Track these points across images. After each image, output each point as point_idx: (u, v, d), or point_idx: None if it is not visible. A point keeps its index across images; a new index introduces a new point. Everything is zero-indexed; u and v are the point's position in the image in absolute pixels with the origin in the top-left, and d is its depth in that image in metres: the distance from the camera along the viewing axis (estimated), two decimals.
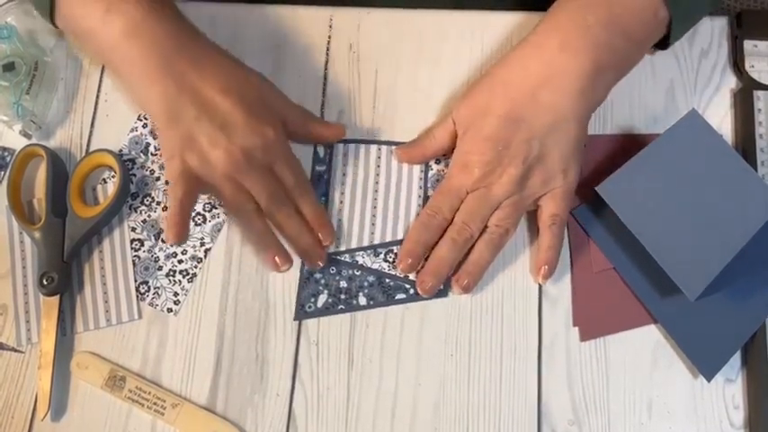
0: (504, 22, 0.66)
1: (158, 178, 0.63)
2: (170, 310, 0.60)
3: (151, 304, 0.60)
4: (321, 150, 0.63)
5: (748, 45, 0.64)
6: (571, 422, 0.56)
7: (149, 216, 0.62)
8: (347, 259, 0.60)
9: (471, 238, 0.58)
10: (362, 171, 0.62)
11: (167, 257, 0.61)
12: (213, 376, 0.59)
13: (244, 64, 0.61)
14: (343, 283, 0.60)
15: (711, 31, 0.65)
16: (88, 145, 0.65)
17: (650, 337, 0.58)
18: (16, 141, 0.65)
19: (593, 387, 0.57)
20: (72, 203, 0.61)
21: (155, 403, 0.57)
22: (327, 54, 0.66)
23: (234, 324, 0.60)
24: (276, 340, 0.59)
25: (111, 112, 0.66)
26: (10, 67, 0.63)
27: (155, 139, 0.64)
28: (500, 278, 0.59)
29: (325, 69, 0.66)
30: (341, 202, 0.62)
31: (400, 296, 0.59)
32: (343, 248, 0.61)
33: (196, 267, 0.61)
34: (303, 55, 0.66)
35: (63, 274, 0.60)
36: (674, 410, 0.56)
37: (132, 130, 0.65)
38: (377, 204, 0.61)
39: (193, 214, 0.62)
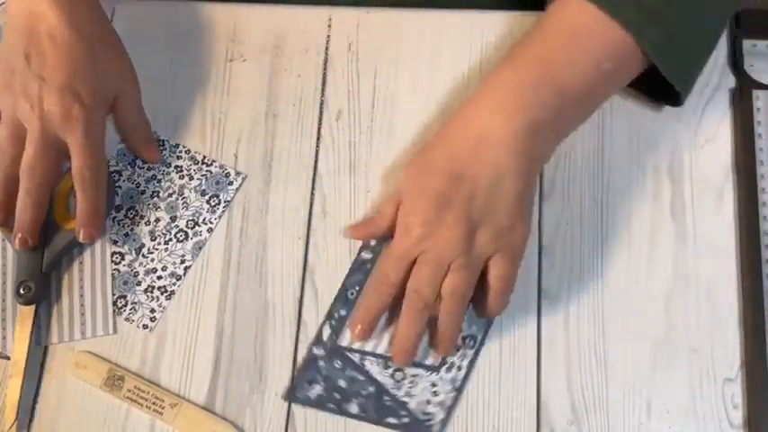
0: (504, 21, 0.66)
1: (143, 192, 0.63)
2: (146, 326, 0.60)
3: (127, 319, 0.60)
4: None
5: (747, 44, 0.64)
6: (570, 422, 0.56)
7: (132, 230, 0.62)
8: (356, 359, 0.57)
9: (426, 306, 0.54)
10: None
11: (147, 273, 0.61)
12: (212, 376, 0.59)
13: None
14: (342, 383, 0.57)
15: None
16: None
17: (650, 336, 0.58)
18: None
19: (592, 387, 0.57)
20: (55, 214, 0.61)
21: (153, 403, 0.57)
22: (326, 54, 0.66)
23: (233, 324, 0.60)
24: (275, 340, 0.59)
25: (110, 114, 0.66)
26: None
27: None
28: None
29: (324, 69, 0.66)
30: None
31: (391, 420, 0.56)
32: (356, 346, 0.58)
33: (175, 285, 0.61)
34: (302, 55, 0.66)
35: (40, 284, 0.59)
36: (674, 410, 0.56)
37: (121, 142, 0.65)
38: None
39: (175, 231, 0.62)
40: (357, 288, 0.59)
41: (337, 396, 0.56)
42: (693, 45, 0.58)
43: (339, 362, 0.57)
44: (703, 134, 0.62)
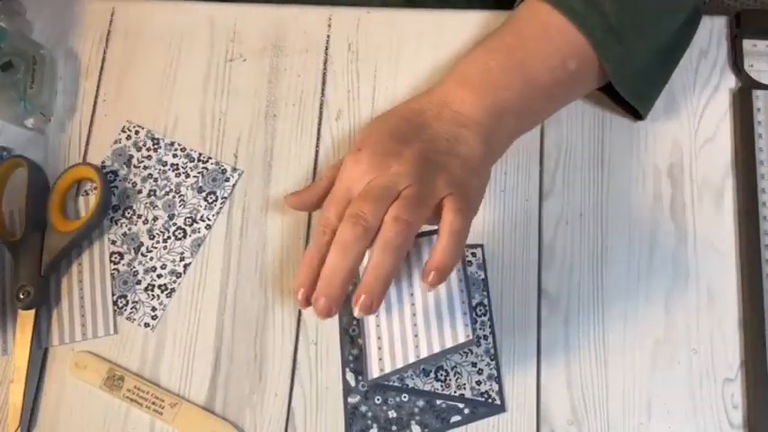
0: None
1: (140, 191, 0.63)
2: (147, 325, 0.60)
3: (129, 318, 0.60)
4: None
5: (747, 44, 0.64)
6: (570, 422, 0.56)
7: (129, 229, 0.62)
8: (395, 383, 0.56)
9: (366, 230, 0.47)
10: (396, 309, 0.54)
11: (146, 272, 0.61)
12: (212, 376, 0.59)
13: None
14: (392, 413, 0.56)
15: (710, 31, 0.65)
16: (87, 144, 0.65)
17: (650, 337, 0.58)
18: (17, 140, 0.65)
19: (592, 387, 0.57)
20: (51, 218, 0.61)
21: (153, 403, 0.57)
22: (326, 54, 0.66)
23: (232, 323, 0.60)
24: (275, 340, 0.59)
25: (110, 112, 0.66)
26: (8, 66, 0.63)
27: (138, 151, 0.64)
28: (499, 277, 0.59)
29: (324, 69, 0.66)
30: (378, 337, 0.54)
31: (455, 418, 0.56)
32: (388, 369, 0.53)
33: (175, 282, 0.61)
34: (302, 54, 0.66)
35: (40, 288, 0.59)
36: (674, 410, 0.56)
37: (115, 142, 0.64)
38: (416, 320, 0.52)
39: (173, 229, 0.62)
40: (355, 323, 0.58)
41: (395, 428, 0.56)
42: (652, 67, 0.59)
43: (379, 397, 0.57)
44: (703, 134, 0.62)
